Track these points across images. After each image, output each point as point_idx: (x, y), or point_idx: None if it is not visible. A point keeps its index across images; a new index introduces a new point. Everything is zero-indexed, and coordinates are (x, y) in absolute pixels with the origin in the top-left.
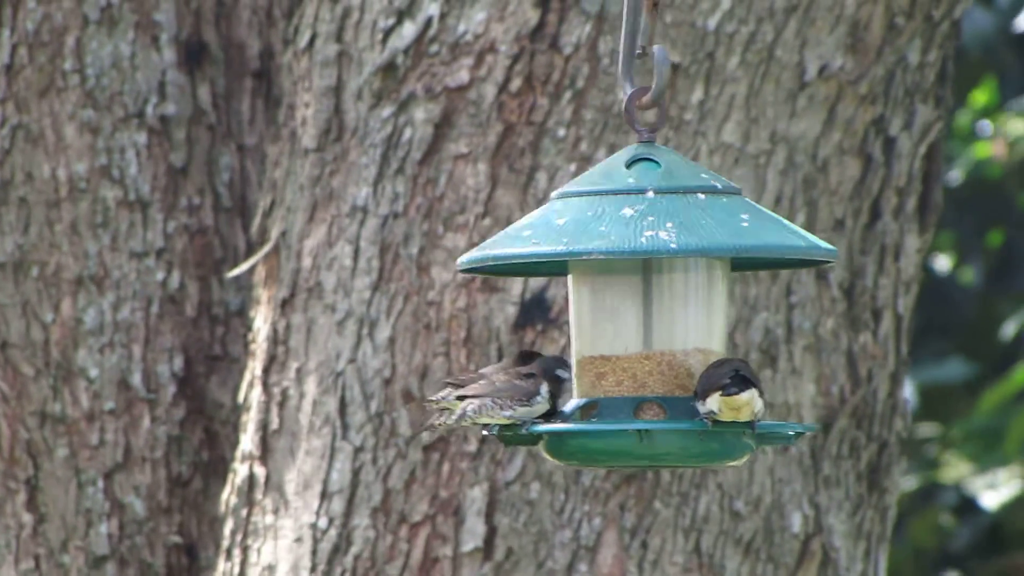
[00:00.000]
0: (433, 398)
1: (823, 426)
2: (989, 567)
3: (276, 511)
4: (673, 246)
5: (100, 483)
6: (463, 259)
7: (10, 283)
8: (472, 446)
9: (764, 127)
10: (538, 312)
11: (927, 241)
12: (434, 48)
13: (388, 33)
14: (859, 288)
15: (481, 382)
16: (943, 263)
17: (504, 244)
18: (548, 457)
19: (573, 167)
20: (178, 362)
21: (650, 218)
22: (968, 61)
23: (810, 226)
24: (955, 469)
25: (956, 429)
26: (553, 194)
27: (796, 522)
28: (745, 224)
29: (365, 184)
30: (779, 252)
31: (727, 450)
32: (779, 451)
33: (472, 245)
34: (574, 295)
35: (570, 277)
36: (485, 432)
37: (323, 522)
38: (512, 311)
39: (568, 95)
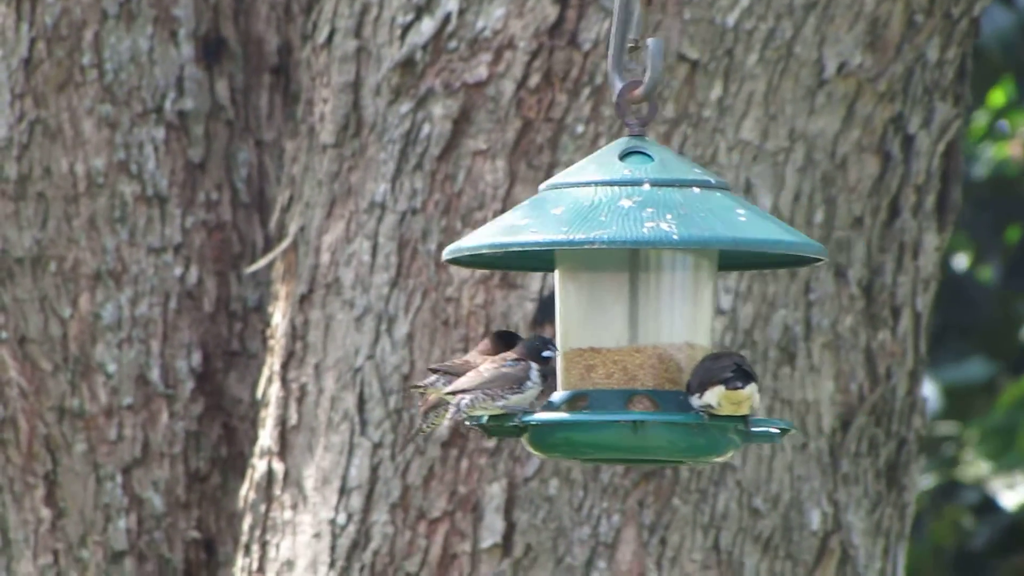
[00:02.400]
0: (420, 384)
1: (842, 424)
2: (1007, 566)
3: (295, 507)
4: (675, 237)
5: (119, 478)
6: (453, 247)
7: (28, 278)
8: (491, 442)
9: (783, 124)
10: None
11: (945, 239)
12: (453, 44)
13: (407, 29)
14: (878, 286)
15: (469, 374)
16: (961, 261)
17: (501, 233)
18: (531, 450)
19: None
20: (196, 358)
21: (649, 209)
22: (987, 60)
23: (829, 223)
24: (974, 468)
25: (973, 428)
26: (542, 185)
27: (815, 519)
28: (742, 219)
29: (383, 180)
30: (777, 247)
31: (714, 445)
32: (798, 448)
33: None
34: (561, 288)
35: (557, 270)
36: (468, 424)
37: (342, 518)
38: (531, 307)
39: (587, 91)
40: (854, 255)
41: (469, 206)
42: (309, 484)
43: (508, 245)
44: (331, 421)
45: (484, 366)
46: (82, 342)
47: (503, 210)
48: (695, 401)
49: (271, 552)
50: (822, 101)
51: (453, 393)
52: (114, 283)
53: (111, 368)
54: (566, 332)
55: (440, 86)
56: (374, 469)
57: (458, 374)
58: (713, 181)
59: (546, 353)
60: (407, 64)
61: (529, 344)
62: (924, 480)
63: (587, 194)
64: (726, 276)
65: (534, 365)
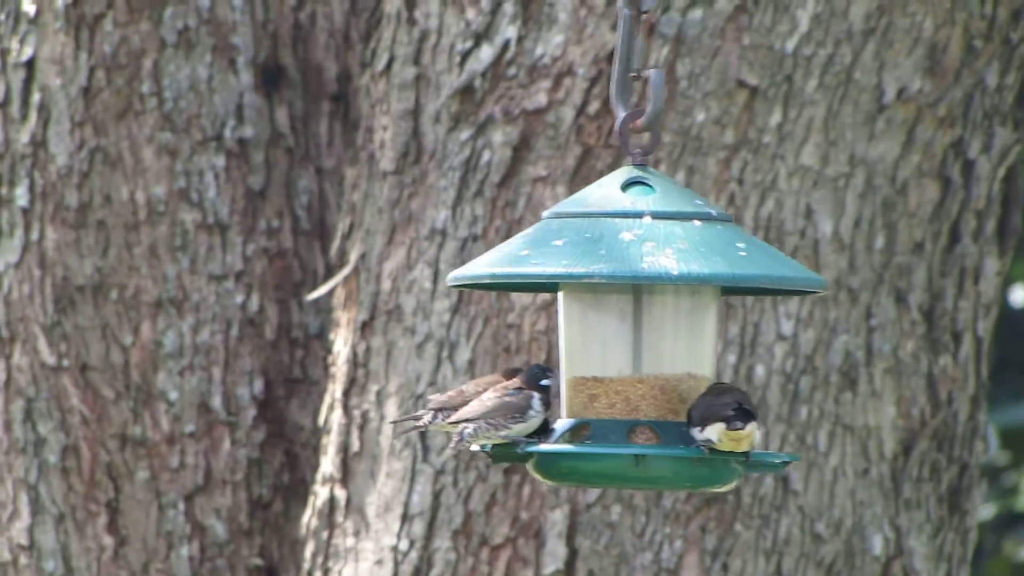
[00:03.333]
0: (419, 423)
1: (904, 449)
2: None
3: (357, 533)
4: (675, 273)
5: (181, 506)
6: (455, 274)
7: (90, 306)
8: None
9: (843, 150)
10: None
11: (1007, 264)
12: (512, 71)
13: (466, 56)
14: (939, 311)
15: (473, 403)
16: (1019, 295)
17: (502, 263)
18: (537, 476)
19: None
20: (258, 385)
21: (650, 244)
22: None
23: (889, 249)
24: None
25: None
26: (545, 213)
27: (877, 544)
28: (743, 253)
29: (444, 207)
30: (776, 283)
31: (716, 476)
32: (860, 474)
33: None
34: (564, 315)
35: (560, 297)
36: (475, 449)
37: (404, 544)
38: None
39: None
40: (915, 280)
41: None
42: (371, 511)
43: (509, 276)
44: (393, 448)
45: (486, 395)
46: (144, 370)
47: None
48: (696, 434)
49: None
50: (882, 126)
51: (457, 423)
52: (175, 311)
53: (173, 396)
54: (570, 360)
55: (500, 113)
56: (436, 495)
57: (455, 407)
58: (714, 213)
59: (544, 381)
60: (466, 91)
61: (530, 372)
62: (984, 510)
63: (588, 225)
64: (787, 301)
65: (535, 394)
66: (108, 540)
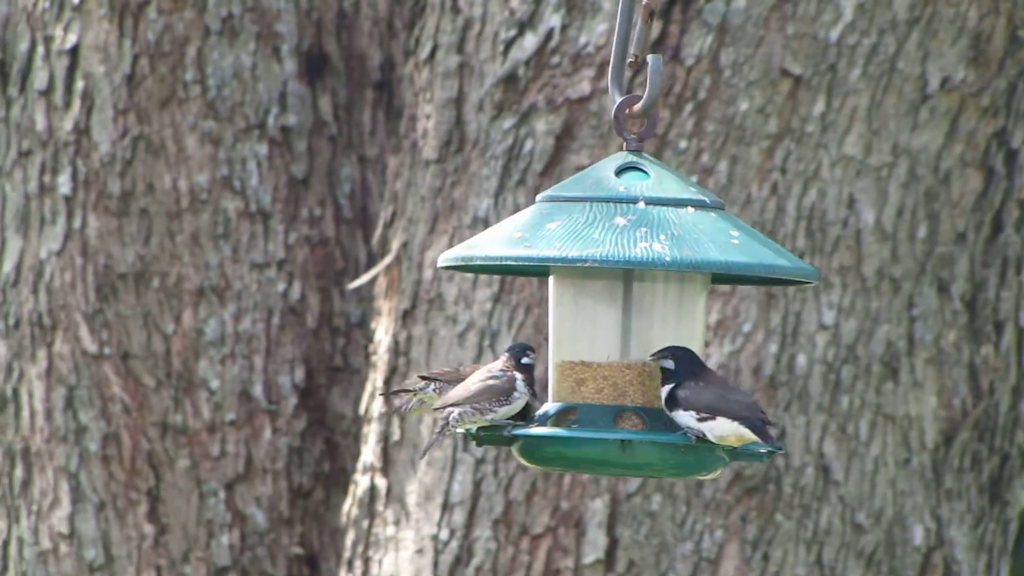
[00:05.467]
0: (410, 388)
1: (945, 439)
2: None
3: (397, 523)
4: (667, 259)
5: (221, 494)
6: (447, 255)
7: (131, 294)
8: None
9: (886, 139)
10: None
11: None
12: (555, 59)
13: (509, 44)
14: (981, 301)
15: (457, 388)
16: None
17: (494, 245)
18: (521, 460)
19: (695, 179)
20: (299, 373)
21: (643, 229)
22: None
23: (932, 238)
24: None
25: None
26: (539, 196)
27: (918, 535)
28: (735, 241)
29: (486, 195)
30: (767, 271)
31: (702, 463)
32: (901, 464)
33: None
34: (555, 298)
35: (551, 281)
36: (459, 431)
37: (444, 534)
38: None
39: (690, 107)
40: (957, 270)
41: None
42: (412, 500)
43: (502, 258)
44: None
45: (471, 378)
46: (185, 358)
47: None
48: (689, 419)
49: (374, 568)
50: (925, 116)
51: (442, 407)
52: (217, 299)
53: (214, 384)
54: (559, 343)
55: (543, 101)
56: (477, 484)
57: (448, 382)
58: (708, 200)
59: (524, 360)
60: (510, 80)
61: (512, 353)
62: None
63: (582, 210)
64: (829, 291)
65: (519, 376)
66: (148, 528)
